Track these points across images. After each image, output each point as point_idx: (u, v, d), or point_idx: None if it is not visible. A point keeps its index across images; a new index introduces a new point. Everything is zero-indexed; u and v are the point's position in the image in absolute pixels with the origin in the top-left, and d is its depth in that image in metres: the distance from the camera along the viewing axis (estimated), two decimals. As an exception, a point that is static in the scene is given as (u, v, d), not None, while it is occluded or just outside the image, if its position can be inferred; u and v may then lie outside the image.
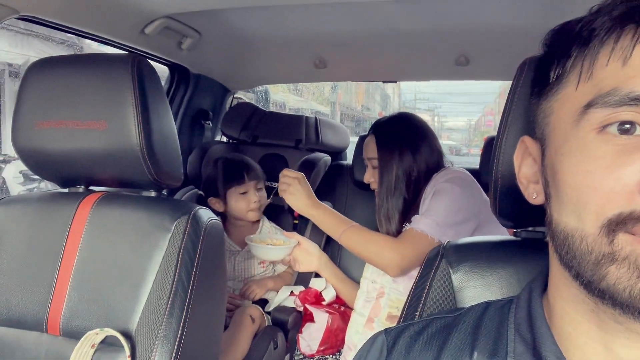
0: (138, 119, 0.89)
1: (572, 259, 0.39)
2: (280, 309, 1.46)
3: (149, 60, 0.97)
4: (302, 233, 1.62)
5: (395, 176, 1.30)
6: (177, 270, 0.83)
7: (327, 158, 1.79)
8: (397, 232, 1.28)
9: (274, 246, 1.48)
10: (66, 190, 1.06)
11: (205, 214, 0.95)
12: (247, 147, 1.90)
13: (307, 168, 1.65)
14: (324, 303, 1.49)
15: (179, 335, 0.78)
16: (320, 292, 1.49)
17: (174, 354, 0.76)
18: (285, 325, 1.42)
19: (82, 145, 0.92)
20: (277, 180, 1.44)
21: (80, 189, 1.05)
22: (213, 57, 1.79)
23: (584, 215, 0.37)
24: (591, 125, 0.38)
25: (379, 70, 1.90)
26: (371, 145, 1.39)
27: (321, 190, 1.75)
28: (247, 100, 2.09)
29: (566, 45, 0.41)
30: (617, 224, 0.35)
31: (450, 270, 0.71)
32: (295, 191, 1.36)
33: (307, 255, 1.49)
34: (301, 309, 1.48)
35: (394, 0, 1.33)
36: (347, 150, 2.10)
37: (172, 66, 1.80)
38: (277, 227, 1.69)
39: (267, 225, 1.66)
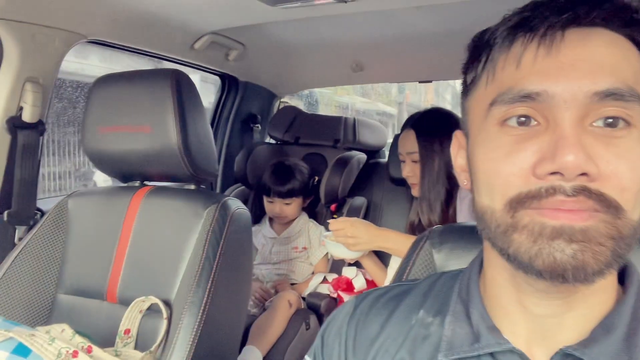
0: (177, 123, 1.06)
1: (488, 231, 0.44)
2: (315, 294, 1.59)
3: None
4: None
5: (437, 167, 1.35)
6: (205, 249, 0.99)
7: (361, 156, 1.89)
8: (440, 221, 1.35)
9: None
10: (125, 184, 1.26)
11: (234, 204, 1.11)
12: (290, 147, 2.05)
13: (340, 165, 1.77)
14: (355, 290, 1.59)
15: (204, 302, 0.93)
16: (352, 280, 1.60)
17: (199, 317, 0.92)
18: (319, 309, 1.54)
19: (133, 146, 1.11)
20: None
21: (136, 183, 1.24)
22: (258, 65, 1.96)
23: (493, 196, 0.43)
24: (494, 119, 0.43)
25: (414, 70, 1.97)
26: (410, 140, 1.42)
27: (357, 187, 1.86)
28: (292, 104, 2.24)
29: (479, 51, 0.48)
30: (517, 203, 0.41)
31: (433, 251, 0.80)
32: (358, 240, 1.31)
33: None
34: (335, 295, 1.60)
35: (412, 8, 1.41)
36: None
37: (222, 76, 1.99)
38: (315, 222, 1.83)
39: (302, 220, 1.80)
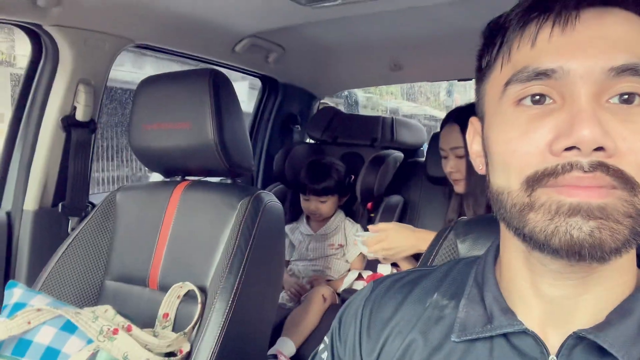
0: (213, 119, 1.11)
1: (504, 212, 0.45)
2: (349, 290, 1.61)
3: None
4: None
5: None
6: (238, 239, 1.04)
7: (398, 155, 1.90)
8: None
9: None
10: (168, 179, 1.33)
11: (266, 197, 1.15)
12: (328, 147, 2.08)
13: (376, 164, 1.78)
14: (389, 288, 1.59)
15: (234, 289, 0.98)
16: (386, 277, 1.60)
17: (229, 303, 0.96)
18: (353, 305, 1.56)
19: (174, 142, 1.17)
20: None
21: (178, 178, 1.31)
22: (297, 67, 2.01)
23: (509, 176, 0.43)
24: (510, 99, 0.44)
25: (453, 68, 1.95)
26: (454, 135, 1.35)
27: (395, 186, 1.86)
28: (331, 105, 2.28)
29: (493, 35, 0.49)
30: (533, 181, 0.41)
31: (457, 241, 0.80)
32: (397, 250, 1.25)
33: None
34: (369, 292, 1.60)
35: (449, 3, 1.41)
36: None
37: (262, 78, 2.06)
38: (352, 220, 1.85)
39: (338, 218, 1.83)
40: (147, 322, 1.08)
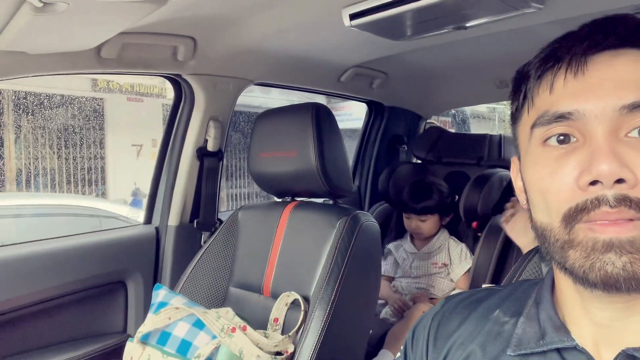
0: (315, 147, 1.26)
1: (548, 246, 0.48)
2: (451, 309, 1.63)
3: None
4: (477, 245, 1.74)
5: None
6: (335, 255, 1.16)
7: (505, 173, 1.86)
8: None
9: None
10: (280, 200, 1.51)
11: (363, 217, 1.26)
12: (433, 166, 2.12)
13: (480, 183, 1.78)
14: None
15: (332, 299, 1.10)
16: (489, 298, 1.59)
17: (327, 311, 1.08)
18: (454, 324, 1.57)
19: (284, 168, 1.34)
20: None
21: (288, 199, 1.49)
22: (401, 90, 2.10)
23: (550, 213, 0.46)
24: (537, 140, 0.48)
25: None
26: None
27: (502, 205, 1.83)
28: (437, 125, 2.31)
29: (519, 83, 0.55)
30: (569, 217, 0.44)
31: (542, 264, 0.83)
32: (516, 232, 1.34)
33: None
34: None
35: (551, 22, 1.39)
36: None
37: (368, 103, 2.18)
38: (456, 239, 1.86)
39: (442, 237, 1.86)
40: (261, 324, 1.24)
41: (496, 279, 1.64)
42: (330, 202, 1.39)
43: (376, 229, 1.27)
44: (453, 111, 3.14)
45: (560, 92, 0.48)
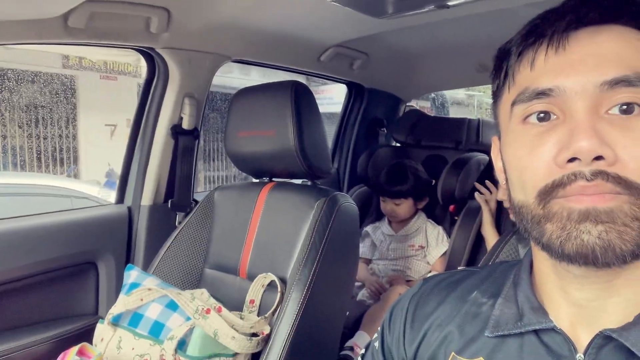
0: (294, 127, 1.23)
1: (525, 224, 0.48)
2: (427, 291, 1.64)
3: (304, 84, 1.31)
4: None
5: None
6: (313, 236, 1.14)
7: (482, 157, 1.87)
8: None
9: None
10: (257, 180, 1.48)
11: (342, 198, 1.24)
12: (412, 150, 2.12)
13: (457, 167, 1.78)
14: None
15: (309, 281, 1.08)
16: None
17: (304, 293, 1.07)
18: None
19: (262, 147, 1.31)
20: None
21: (266, 179, 1.46)
22: (382, 72, 2.07)
23: (525, 190, 0.46)
24: (517, 118, 0.48)
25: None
26: None
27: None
28: (416, 108, 2.30)
29: (500, 61, 0.53)
30: (545, 194, 0.44)
31: (519, 246, 0.83)
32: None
33: None
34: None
35: (532, 4, 1.38)
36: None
37: (348, 84, 2.16)
38: (433, 222, 1.87)
39: (420, 220, 1.86)
40: (237, 306, 1.22)
41: (472, 262, 1.66)
42: (309, 183, 1.37)
43: (355, 211, 1.26)
44: (432, 95, 3.14)
45: (541, 68, 0.47)
